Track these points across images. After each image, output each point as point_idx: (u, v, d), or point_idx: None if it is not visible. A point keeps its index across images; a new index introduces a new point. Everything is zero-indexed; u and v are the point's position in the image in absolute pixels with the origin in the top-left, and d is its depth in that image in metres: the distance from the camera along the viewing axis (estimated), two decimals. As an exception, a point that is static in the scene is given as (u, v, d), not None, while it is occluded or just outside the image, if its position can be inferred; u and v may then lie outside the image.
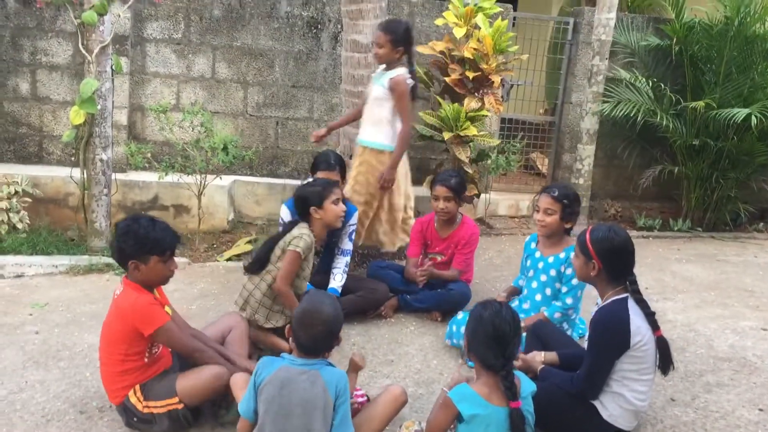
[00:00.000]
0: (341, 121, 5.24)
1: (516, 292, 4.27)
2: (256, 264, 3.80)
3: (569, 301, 3.89)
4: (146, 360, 3.02)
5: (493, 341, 2.62)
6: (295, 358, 2.65)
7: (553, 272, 3.95)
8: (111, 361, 3.00)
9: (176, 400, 2.96)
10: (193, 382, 2.99)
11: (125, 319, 2.93)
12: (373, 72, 4.93)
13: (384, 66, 4.75)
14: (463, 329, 3.20)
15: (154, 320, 2.94)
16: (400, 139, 4.75)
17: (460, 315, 4.09)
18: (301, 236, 3.70)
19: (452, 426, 2.68)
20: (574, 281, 3.86)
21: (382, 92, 4.69)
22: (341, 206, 3.92)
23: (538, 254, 4.06)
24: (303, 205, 3.87)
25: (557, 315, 3.88)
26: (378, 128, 4.76)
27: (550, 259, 3.97)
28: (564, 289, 3.91)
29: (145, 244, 2.96)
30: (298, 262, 3.69)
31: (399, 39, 4.67)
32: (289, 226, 3.88)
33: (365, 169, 4.81)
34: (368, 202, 4.87)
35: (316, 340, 2.63)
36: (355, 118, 5.07)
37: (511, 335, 2.65)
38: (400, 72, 4.67)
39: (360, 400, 3.16)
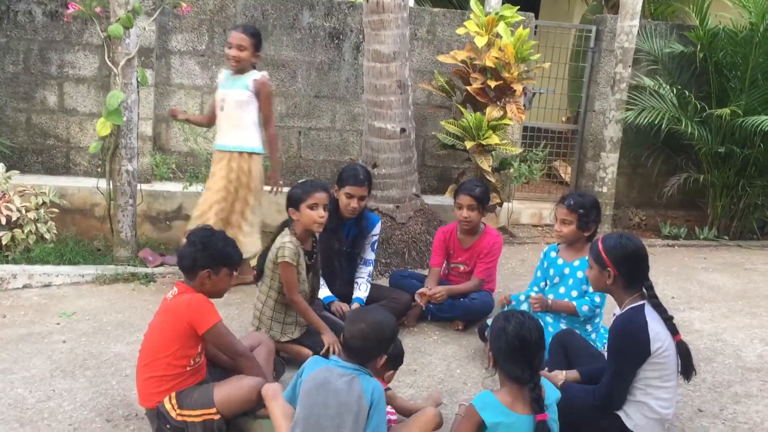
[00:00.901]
0: (197, 119, 5.35)
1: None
2: (260, 275, 3.89)
3: (597, 299, 3.87)
4: (189, 369, 3.03)
5: (519, 354, 2.61)
6: (339, 359, 2.71)
7: (580, 274, 3.93)
8: (154, 366, 3.01)
9: (213, 410, 2.96)
10: (232, 392, 3.00)
11: (179, 317, 2.98)
12: (225, 76, 4.89)
13: (232, 71, 4.81)
14: None
15: (210, 317, 3.00)
16: (275, 140, 4.94)
17: None
18: (284, 246, 3.69)
19: None
20: (597, 299, 3.84)
21: (246, 95, 4.75)
22: (319, 212, 3.74)
23: (560, 261, 4.04)
24: (287, 205, 3.87)
25: (585, 308, 3.87)
26: (244, 132, 4.81)
27: (576, 263, 3.96)
28: (592, 289, 3.88)
29: (221, 256, 3.13)
30: (293, 270, 3.69)
31: (259, 44, 4.85)
32: (276, 232, 3.89)
33: (236, 176, 4.83)
34: (233, 207, 4.91)
35: (359, 340, 2.68)
36: (209, 123, 5.13)
37: (536, 346, 2.63)
38: (262, 73, 4.80)
39: (392, 417, 3.14)
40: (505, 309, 3.75)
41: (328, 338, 3.70)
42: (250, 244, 4.93)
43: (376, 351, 2.74)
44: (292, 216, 3.81)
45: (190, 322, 2.96)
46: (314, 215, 3.74)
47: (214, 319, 3.01)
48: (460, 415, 2.96)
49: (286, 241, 3.72)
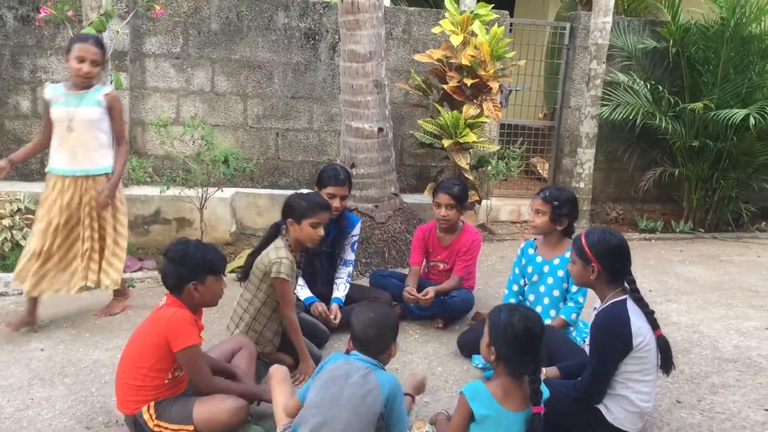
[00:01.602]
0: (26, 153, 4.49)
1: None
2: (243, 272, 3.80)
3: (581, 299, 3.92)
4: (167, 381, 2.99)
5: (527, 346, 2.63)
6: (358, 353, 2.78)
7: (561, 273, 3.97)
8: (133, 375, 2.98)
9: (191, 428, 2.92)
10: (213, 413, 2.94)
11: (159, 331, 2.93)
12: (63, 96, 4.20)
13: (70, 86, 4.21)
14: None
15: (186, 338, 2.91)
16: (124, 156, 4.40)
17: None
18: (280, 261, 3.58)
19: None
20: (574, 288, 3.90)
21: (100, 112, 4.22)
22: (319, 231, 3.70)
23: (539, 259, 4.07)
24: (285, 213, 3.77)
25: (574, 316, 3.92)
26: (101, 152, 4.28)
27: (555, 261, 4.00)
28: (574, 289, 3.94)
29: (201, 265, 3.04)
30: (290, 286, 3.64)
31: (107, 59, 4.63)
32: (267, 237, 3.78)
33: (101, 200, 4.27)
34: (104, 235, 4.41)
35: (373, 328, 2.76)
36: (43, 148, 4.41)
37: (540, 337, 2.66)
38: (110, 87, 4.41)
39: None
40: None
41: (306, 367, 3.65)
42: (118, 272, 4.45)
43: (389, 338, 2.81)
44: (290, 227, 3.71)
45: (167, 338, 2.91)
46: (314, 233, 3.69)
47: (191, 341, 2.93)
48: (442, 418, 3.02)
49: (282, 256, 3.60)
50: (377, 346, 2.79)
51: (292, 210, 3.71)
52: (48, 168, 4.30)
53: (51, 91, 4.23)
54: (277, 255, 3.61)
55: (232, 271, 5.62)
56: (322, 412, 2.64)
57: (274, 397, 3.01)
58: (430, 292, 4.41)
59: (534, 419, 2.61)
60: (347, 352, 2.89)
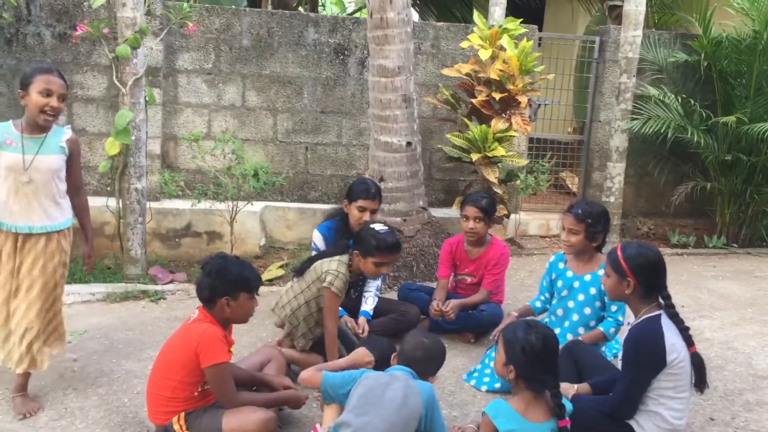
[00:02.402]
0: None
1: (529, 312, 4.17)
2: (301, 269, 3.95)
3: (621, 318, 3.82)
4: (197, 393, 3.03)
5: (546, 363, 2.66)
6: (401, 366, 2.91)
7: (593, 290, 3.89)
8: (163, 386, 3.02)
9: None
10: (241, 425, 2.96)
11: (189, 345, 2.97)
12: (15, 142, 3.42)
13: (30, 128, 3.47)
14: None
15: (215, 355, 2.94)
16: (87, 205, 3.87)
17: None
18: (337, 275, 3.68)
19: None
20: (614, 308, 3.81)
21: (62, 160, 3.54)
22: (381, 271, 3.82)
23: (570, 273, 4.01)
24: (356, 244, 3.81)
25: (612, 330, 3.83)
26: (61, 204, 3.60)
27: (587, 278, 3.92)
28: (614, 308, 3.83)
29: (237, 281, 3.08)
30: (338, 301, 3.73)
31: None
32: (336, 250, 3.92)
33: (58, 259, 3.57)
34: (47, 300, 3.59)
35: (421, 351, 2.93)
36: None
37: (557, 353, 2.70)
38: (68, 127, 3.68)
39: None
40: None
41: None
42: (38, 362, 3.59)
43: (432, 366, 2.97)
44: (356, 258, 3.76)
45: (197, 353, 2.94)
46: (377, 272, 3.81)
47: (219, 358, 2.95)
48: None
49: (341, 271, 3.71)
50: (420, 368, 2.91)
51: (362, 243, 3.77)
52: None
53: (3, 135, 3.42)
54: (337, 268, 3.72)
55: (270, 281, 5.66)
56: (365, 412, 2.70)
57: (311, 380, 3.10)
58: (451, 304, 4.39)
59: None
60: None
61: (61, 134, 3.56)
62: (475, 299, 4.54)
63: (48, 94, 3.40)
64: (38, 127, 3.46)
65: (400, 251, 4.17)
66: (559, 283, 4.05)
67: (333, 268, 3.71)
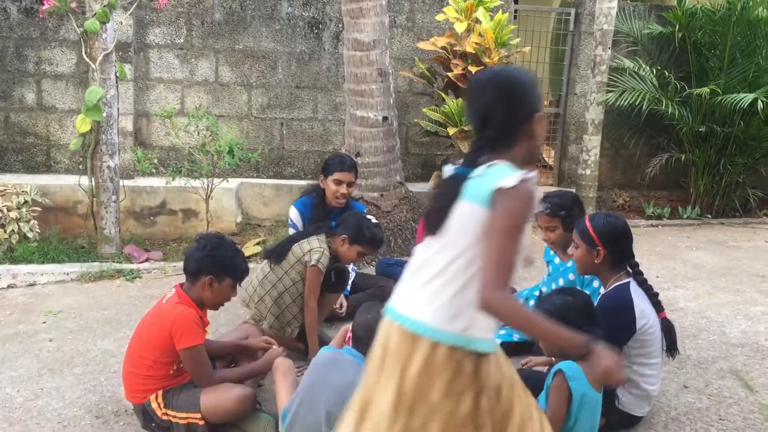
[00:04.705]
0: None
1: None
2: (274, 253, 3.79)
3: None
4: (172, 372, 3.02)
5: (587, 316, 2.75)
6: (351, 348, 2.79)
7: (572, 276, 3.90)
8: (138, 364, 3.00)
9: (198, 416, 2.93)
10: (219, 401, 2.96)
11: (164, 327, 2.94)
12: None
13: None
14: None
15: (190, 338, 2.93)
16: None
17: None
18: (323, 252, 3.67)
19: None
20: (595, 283, 3.80)
21: None
22: (359, 259, 3.91)
23: (557, 260, 4.01)
24: (345, 230, 3.77)
25: None
26: None
27: (569, 263, 3.91)
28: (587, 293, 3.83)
29: (228, 265, 3.08)
30: (320, 276, 3.70)
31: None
32: (314, 230, 3.86)
33: None
34: None
35: (364, 330, 2.74)
36: None
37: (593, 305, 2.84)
38: None
39: None
40: None
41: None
42: None
43: None
44: (340, 241, 3.74)
45: (172, 334, 2.93)
46: (355, 259, 3.87)
47: (195, 341, 2.94)
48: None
49: (324, 248, 3.70)
50: (366, 349, 2.73)
51: (351, 229, 3.75)
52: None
53: None
54: (320, 246, 3.70)
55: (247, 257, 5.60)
56: (307, 399, 2.66)
57: (277, 391, 3.01)
58: None
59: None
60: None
61: None
62: None
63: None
64: None
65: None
66: (549, 269, 4.06)
67: (316, 246, 3.69)
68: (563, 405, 2.58)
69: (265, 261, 3.86)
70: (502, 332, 3.84)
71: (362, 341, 2.74)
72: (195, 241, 3.16)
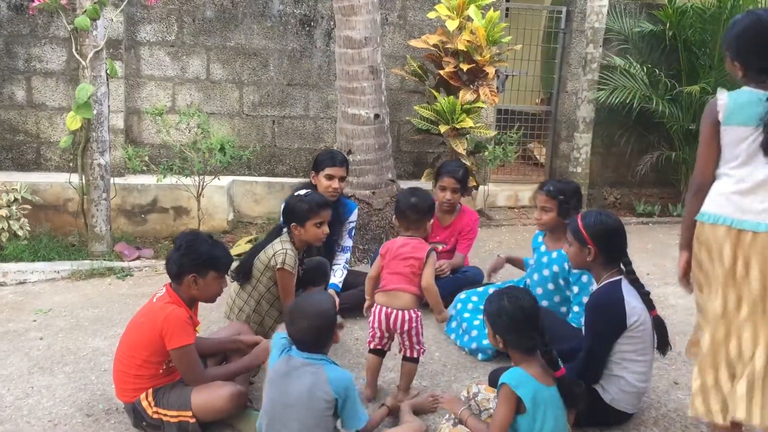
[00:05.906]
0: None
1: (518, 262, 4.44)
2: (240, 272, 3.75)
3: (585, 300, 3.83)
4: (162, 371, 3.02)
5: (525, 322, 2.66)
6: (296, 350, 2.69)
7: (556, 268, 3.88)
8: (128, 363, 3.00)
9: (189, 414, 2.93)
10: (210, 399, 2.95)
11: (154, 327, 2.94)
12: None
13: None
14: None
15: (180, 338, 2.92)
16: None
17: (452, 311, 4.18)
18: (285, 252, 3.61)
19: None
20: (585, 278, 3.81)
21: None
22: (324, 229, 3.74)
23: (543, 248, 4.03)
24: (287, 217, 3.78)
25: (576, 309, 3.81)
26: None
27: (554, 254, 3.93)
28: (576, 289, 3.81)
29: (206, 259, 3.05)
30: (292, 278, 3.66)
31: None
32: (273, 235, 3.81)
33: None
34: None
35: (303, 335, 2.66)
36: None
37: (534, 309, 2.69)
38: None
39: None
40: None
41: None
42: None
43: (327, 337, 2.72)
44: (294, 231, 3.71)
45: (162, 334, 2.92)
46: (319, 233, 3.72)
47: (185, 341, 2.93)
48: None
49: (287, 248, 3.64)
50: (320, 346, 2.70)
51: (293, 214, 3.72)
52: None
53: None
54: (282, 246, 3.64)
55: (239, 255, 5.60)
56: (274, 415, 2.61)
57: None
58: (445, 264, 4.51)
59: (563, 381, 2.65)
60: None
61: None
62: (455, 262, 4.63)
63: None
64: None
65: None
66: (535, 257, 4.09)
67: (279, 249, 3.64)
68: (509, 415, 2.61)
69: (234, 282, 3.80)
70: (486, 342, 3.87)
71: (311, 345, 2.65)
72: (173, 242, 3.14)
